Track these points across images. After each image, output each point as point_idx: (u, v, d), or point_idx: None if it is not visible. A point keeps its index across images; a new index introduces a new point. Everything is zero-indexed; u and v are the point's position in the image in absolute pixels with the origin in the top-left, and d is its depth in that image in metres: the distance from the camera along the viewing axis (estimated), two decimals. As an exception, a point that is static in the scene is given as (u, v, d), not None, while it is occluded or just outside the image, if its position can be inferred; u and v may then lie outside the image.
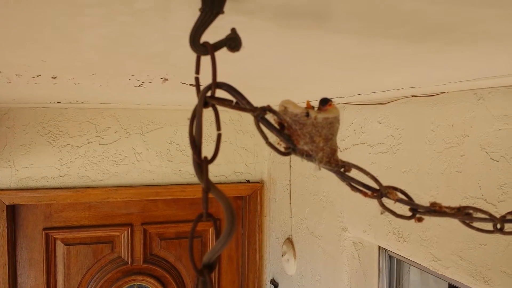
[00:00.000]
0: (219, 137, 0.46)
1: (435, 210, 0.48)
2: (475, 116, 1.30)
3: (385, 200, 0.49)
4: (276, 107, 0.49)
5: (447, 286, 2.01)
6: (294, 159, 2.62)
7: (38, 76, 1.24)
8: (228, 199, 0.45)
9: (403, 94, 1.56)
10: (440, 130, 1.43)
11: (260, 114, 0.46)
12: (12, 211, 2.69)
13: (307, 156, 0.46)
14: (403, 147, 1.60)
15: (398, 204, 0.52)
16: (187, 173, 2.92)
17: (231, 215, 0.43)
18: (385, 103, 1.71)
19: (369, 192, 0.48)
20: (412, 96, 1.56)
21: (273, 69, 1.08)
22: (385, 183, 0.50)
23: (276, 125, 0.48)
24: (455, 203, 1.32)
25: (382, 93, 1.56)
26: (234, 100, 0.47)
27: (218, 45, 0.47)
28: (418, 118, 1.53)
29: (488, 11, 0.57)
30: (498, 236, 1.19)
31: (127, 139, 2.80)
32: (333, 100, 0.50)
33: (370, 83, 1.36)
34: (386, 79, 1.25)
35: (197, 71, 0.48)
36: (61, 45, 0.82)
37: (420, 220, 0.49)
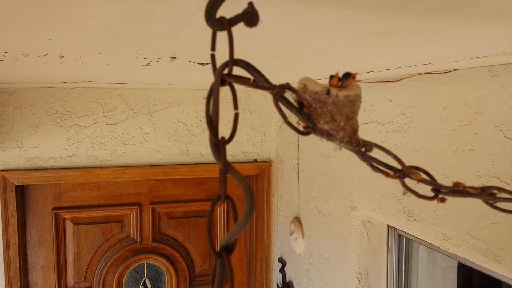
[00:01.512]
0: (236, 116, 0.45)
1: (459, 190, 0.47)
2: (489, 93, 1.28)
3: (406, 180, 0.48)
4: (294, 85, 0.47)
5: (456, 264, 2.01)
6: (302, 138, 2.60)
7: (45, 55, 1.23)
8: (247, 181, 0.43)
9: (415, 71, 1.53)
10: (453, 107, 1.41)
11: (279, 92, 0.44)
12: (21, 191, 2.70)
13: (328, 135, 0.45)
14: (415, 125, 1.58)
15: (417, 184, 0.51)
16: (195, 152, 2.91)
17: (250, 197, 0.42)
18: (396, 81, 1.68)
19: (391, 172, 0.47)
20: (424, 73, 1.53)
21: (285, 46, 1.06)
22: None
23: (295, 104, 0.46)
24: (467, 182, 1.30)
25: (393, 70, 1.53)
26: (251, 78, 0.45)
27: (235, 20, 0.45)
28: (430, 95, 1.50)
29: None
30: (510, 215, 1.18)
31: (134, 119, 2.79)
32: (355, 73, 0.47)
33: (382, 60, 1.33)
34: (400, 56, 1.22)
35: (213, 47, 0.46)
36: (68, 23, 0.80)
37: (443, 200, 0.48)
